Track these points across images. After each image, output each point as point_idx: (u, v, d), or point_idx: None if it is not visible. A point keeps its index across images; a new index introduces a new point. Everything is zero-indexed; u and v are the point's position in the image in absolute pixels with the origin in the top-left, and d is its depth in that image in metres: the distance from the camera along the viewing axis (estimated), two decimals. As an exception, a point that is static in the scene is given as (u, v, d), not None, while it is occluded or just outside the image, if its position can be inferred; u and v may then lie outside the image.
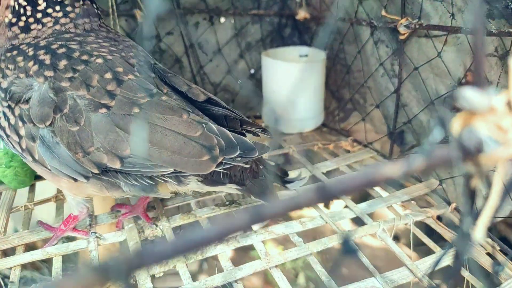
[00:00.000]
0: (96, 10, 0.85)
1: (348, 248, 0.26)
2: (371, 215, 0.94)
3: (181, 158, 0.69)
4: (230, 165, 0.72)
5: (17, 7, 0.78)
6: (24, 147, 0.72)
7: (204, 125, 0.71)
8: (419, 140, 1.11)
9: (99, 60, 0.74)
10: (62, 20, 0.80)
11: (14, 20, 0.78)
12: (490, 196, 0.26)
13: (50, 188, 1.08)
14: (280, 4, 1.36)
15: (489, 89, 0.28)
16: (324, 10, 1.31)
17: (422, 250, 1.00)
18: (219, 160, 0.70)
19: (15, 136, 0.72)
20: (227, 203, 0.98)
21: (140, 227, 0.90)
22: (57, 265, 0.81)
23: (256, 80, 1.44)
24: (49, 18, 0.79)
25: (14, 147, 0.74)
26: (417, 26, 0.96)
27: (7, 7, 0.79)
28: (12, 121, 0.72)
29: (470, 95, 0.27)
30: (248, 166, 0.77)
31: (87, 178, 0.72)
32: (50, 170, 0.72)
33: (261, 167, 0.86)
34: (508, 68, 0.40)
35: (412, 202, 0.99)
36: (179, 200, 0.99)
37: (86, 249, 0.84)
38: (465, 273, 0.79)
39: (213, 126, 0.72)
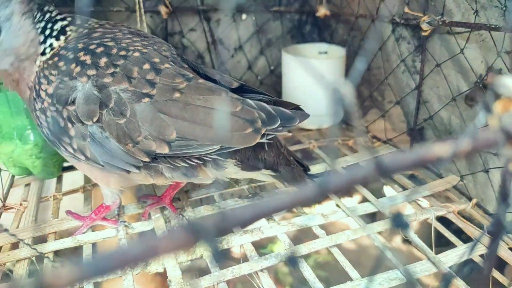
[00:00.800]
0: None
1: (399, 223, 0.27)
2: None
3: (225, 133, 0.72)
4: (273, 135, 0.74)
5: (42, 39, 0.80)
6: (75, 147, 0.75)
7: (241, 100, 0.74)
8: (439, 136, 1.12)
9: (136, 54, 0.76)
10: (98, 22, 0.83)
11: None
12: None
13: (76, 179, 1.12)
14: (301, 1, 1.37)
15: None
16: (344, 7, 1.32)
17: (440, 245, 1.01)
18: (263, 131, 0.72)
19: (66, 138, 0.75)
20: (249, 195, 1.00)
21: (166, 217, 0.92)
22: (87, 252, 0.84)
23: (276, 76, 1.46)
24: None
25: (66, 149, 0.77)
26: (440, 23, 0.97)
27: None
28: (62, 124, 0.74)
29: (509, 82, 0.29)
30: (290, 134, 0.78)
31: (138, 168, 0.74)
32: (103, 166, 0.75)
33: (291, 158, 0.88)
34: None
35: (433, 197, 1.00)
36: (203, 192, 1.02)
37: (115, 237, 0.87)
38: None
39: (251, 101, 0.74)
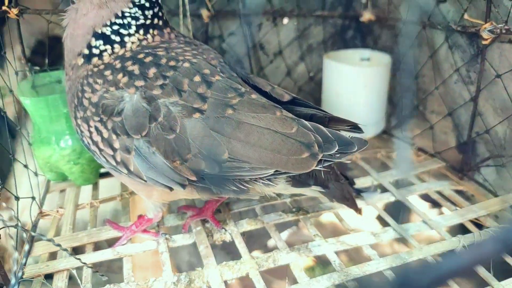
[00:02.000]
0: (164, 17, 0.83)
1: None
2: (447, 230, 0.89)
3: (281, 157, 0.66)
4: (330, 162, 0.69)
5: (94, 50, 0.77)
6: (119, 159, 0.71)
7: (296, 121, 0.69)
8: (493, 152, 1.05)
9: (186, 64, 0.72)
10: (147, 39, 0.79)
11: (87, 59, 0.78)
12: None
13: (113, 186, 1.08)
14: (345, 6, 1.32)
15: None
16: (391, 12, 1.26)
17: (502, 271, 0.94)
18: (319, 157, 0.67)
19: (109, 149, 0.71)
20: (293, 209, 0.95)
21: (208, 231, 0.88)
22: (128, 265, 0.80)
23: (315, 83, 1.41)
24: (133, 43, 0.78)
25: (107, 161, 0.73)
26: (503, 31, 0.91)
27: (78, 54, 0.78)
28: (105, 134, 0.71)
29: None
30: (349, 161, 0.74)
31: (183, 186, 0.70)
32: (145, 181, 0.71)
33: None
34: None
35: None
36: (244, 204, 0.97)
37: (156, 250, 0.83)
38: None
39: (306, 122, 0.69)
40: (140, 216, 0.89)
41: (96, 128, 0.72)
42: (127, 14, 0.76)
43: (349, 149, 0.70)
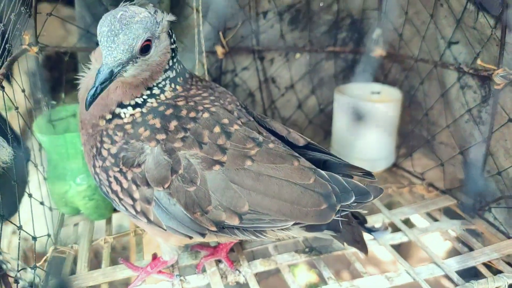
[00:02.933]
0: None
1: None
2: (459, 273, 0.89)
3: (300, 208, 0.67)
4: (346, 212, 0.70)
5: (117, 114, 0.75)
6: (138, 209, 0.72)
7: (313, 170, 0.70)
8: (504, 192, 1.05)
9: (206, 115, 0.73)
10: (170, 93, 0.77)
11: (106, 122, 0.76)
12: None
13: (126, 220, 1.09)
14: (356, 41, 1.34)
15: None
16: (401, 48, 1.28)
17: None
18: (337, 207, 0.68)
19: (129, 199, 0.72)
20: (306, 250, 0.95)
21: (222, 272, 0.88)
22: (142, 307, 0.81)
23: (325, 115, 1.42)
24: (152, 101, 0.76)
25: (127, 209, 0.74)
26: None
27: (100, 117, 0.76)
28: (125, 185, 0.71)
29: None
30: (366, 211, 0.75)
31: (203, 235, 0.71)
32: (165, 230, 0.72)
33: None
34: None
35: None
36: (257, 244, 0.98)
37: (171, 293, 0.84)
38: None
39: (323, 172, 0.70)
40: (154, 257, 0.89)
41: (116, 178, 0.73)
42: (160, 81, 0.75)
43: (366, 198, 0.71)
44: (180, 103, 0.74)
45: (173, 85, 0.77)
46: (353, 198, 0.69)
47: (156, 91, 0.75)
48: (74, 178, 0.99)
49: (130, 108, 0.74)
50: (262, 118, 0.82)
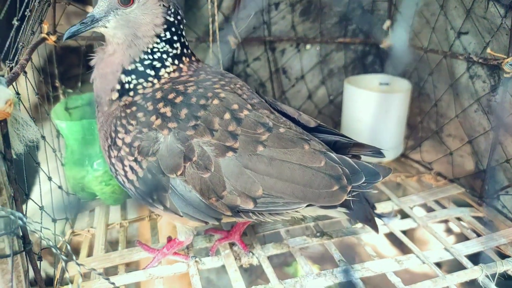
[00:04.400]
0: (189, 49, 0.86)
1: None
2: (467, 257, 0.91)
3: (312, 191, 0.70)
4: (357, 192, 0.72)
5: (126, 86, 0.79)
6: (155, 197, 0.74)
7: (324, 153, 0.72)
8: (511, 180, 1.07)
9: (216, 101, 0.75)
10: (177, 70, 0.81)
11: (120, 95, 0.80)
12: None
13: (141, 205, 1.12)
14: (366, 33, 1.35)
15: None
16: (411, 39, 1.30)
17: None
18: (349, 189, 0.70)
19: (145, 187, 0.74)
20: (318, 234, 0.97)
21: (236, 254, 0.91)
22: (159, 286, 0.83)
23: (334, 106, 1.44)
24: (163, 76, 0.80)
25: (143, 198, 0.76)
26: (524, 66, 0.94)
27: (112, 90, 0.80)
28: (141, 174, 0.73)
29: None
30: (376, 191, 0.77)
31: (219, 220, 0.73)
32: (181, 216, 0.74)
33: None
34: None
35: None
36: (270, 228, 1.00)
37: (187, 272, 0.86)
38: None
39: (333, 155, 0.72)
40: (170, 239, 0.92)
41: (131, 168, 0.75)
42: (155, 50, 0.79)
43: (375, 178, 0.73)
44: (190, 89, 0.76)
45: (176, 62, 0.80)
46: (363, 179, 0.71)
47: (155, 61, 0.79)
48: (91, 164, 1.01)
49: (134, 76, 0.78)
50: (274, 101, 0.84)
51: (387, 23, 1.31)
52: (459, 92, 1.16)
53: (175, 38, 0.81)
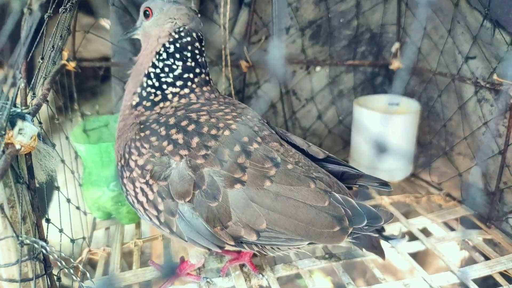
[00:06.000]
0: (207, 77, 0.90)
1: None
2: (475, 281, 0.92)
3: (314, 230, 0.72)
4: (358, 235, 0.74)
5: (144, 93, 0.86)
6: (162, 220, 0.76)
7: (329, 193, 0.74)
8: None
9: (227, 133, 0.77)
10: (187, 94, 0.86)
11: (139, 101, 0.86)
12: None
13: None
14: (375, 55, 1.38)
15: None
16: (419, 61, 1.32)
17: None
18: (350, 230, 0.72)
19: (154, 210, 0.77)
20: (326, 256, 0.99)
21: (246, 275, 0.93)
22: (171, 307, 0.86)
23: (344, 126, 1.46)
24: (174, 96, 0.85)
25: (151, 219, 0.79)
26: (530, 92, 0.95)
27: (134, 93, 0.87)
28: (151, 196, 0.76)
29: None
30: (376, 235, 0.79)
31: (221, 248, 0.76)
32: (186, 241, 0.77)
33: None
34: None
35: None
36: (279, 249, 1.02)
37: (198, 295, 0.89)
38: None
39: (338, 195, 0.75)
40: (182, 260, 0.95)
41: (142, 189, 0.77)
42: (158, 64, 0.86)
43: (376, 222, 0.75)
44: (203, 119, 0.79)
45: (181, 83, 0.86)
46: (365, 221, 0.74)
47: (162, 73, 0.86)
48: (107, 185, 1.05)
49: (150, 83, 0.86)
50: (284, 133, 0.87)
51: (396, 45, 1.33)
52: (467, 114, 1.18)
53: (177, 56, 0.85)
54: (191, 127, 0.78)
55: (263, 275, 0.92)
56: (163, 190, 0.74)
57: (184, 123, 0.79)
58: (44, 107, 0.88)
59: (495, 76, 1.02)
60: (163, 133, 0.78)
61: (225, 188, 0.72)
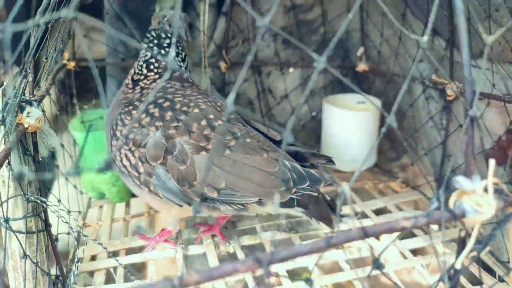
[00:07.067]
0: (185, 71, 1.10)
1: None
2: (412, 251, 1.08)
3: (264, 189, 0.89)
4: (301, 193, 0.90)
5: (135, 77, 1.07)
6: (142, 181, 0.94)
7: (279, 161, 0.91)
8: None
9: (196, 110, 0.95)
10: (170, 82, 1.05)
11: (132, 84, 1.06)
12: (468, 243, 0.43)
13: (142, 204, 1.32)
14: (342, 58, 1.55)
15: (474, 178, 0.45)
16: (380, 64, 1.48)
17: None
18: (293, 190, 0.89)
19: (135, 172, 0.94)
20: (287, 229, 1.16)
21: (216, 243, 1.10)
22: (152, 267, 1.03)
23: (316, 121, 1.62)
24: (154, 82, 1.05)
25: (133, 180, 0.96)
26: (462, 91, 1.11)
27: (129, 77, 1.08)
28: (133, 161, 0.94)
29: (462, 181, 0.45)
30: (316, 194, 0.95)
31: (189, 204, 0.93)
32: (161, 198, 0.94)
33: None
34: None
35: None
36: (247, 223, 1.19)
37: (174, 257, 1.05)
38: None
39: (287, 162, 0.91)
40: (162, 229, 1.12)
41: (126, 155, 0.95)
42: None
43: (317, 183, 0.92)
44: (177, 99, 0.97)
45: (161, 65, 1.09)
46: (308, 183, 0.90)
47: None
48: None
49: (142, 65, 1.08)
50: (248, 120, 1.04)
51: (361, 49, 1.49)
52: (418, 111, 1.34)
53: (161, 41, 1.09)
54: (166, 104, 0.96)
55: (229, 243, 1.09)
56: (143, 155, 0.92)
57: (160, 100, 0.97)
58: (48, 103, 1.06)
59: (434, 77, 1.18)
60: (143, 108, 0.96)
61: (192, 154, 0.89)
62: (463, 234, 0.46)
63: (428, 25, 0.46)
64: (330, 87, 1.60)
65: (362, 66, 1.52)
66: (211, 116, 0.95)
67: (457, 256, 0.47)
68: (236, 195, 0.89)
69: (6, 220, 0.74)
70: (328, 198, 1.12)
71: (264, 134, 1.00)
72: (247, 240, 1.12)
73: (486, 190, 0.44)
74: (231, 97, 0.42)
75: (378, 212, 1.28)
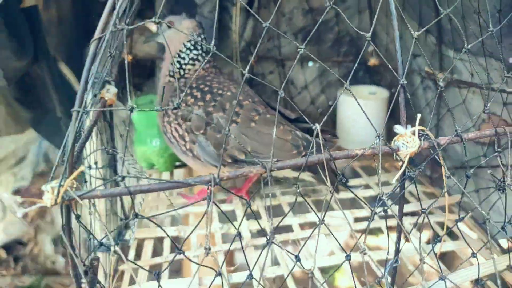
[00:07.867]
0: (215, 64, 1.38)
1: None
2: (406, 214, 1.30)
3: (280, 152, 1.14)
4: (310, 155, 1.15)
5: (171, 73, 1.33)
6: (188, 147, 1.22)
7: (292, 132, 1.16)
8: (453, 168, 1.45)
9: (229, 93, 1.23)
10: (206, 70, 1.33)
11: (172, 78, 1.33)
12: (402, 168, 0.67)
13: (182, 174, 1.60)
14: (355, 54, 1.78)
15: (408, 126, 0.69)
16: (387, 58, 1.70)
17: None
18: (303, 153, 1.14)
19: (182, 141, 1.22)
20: (301, 195, 1.40)
21: (243, 203, 1.36)
22: (191, 218, 1.30)
23: (333, 109, 1.85)
24: (194, 72, 1.32)
25: (180, 148, 1.24)
26: (449, 80, 1.33)
27: (166, 75, 1.35)
28: (180, 132, 1.22)
29: (398, 128, 0.69)
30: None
31: (224, 165, 1.19)
32: (202, 161, 1.21)
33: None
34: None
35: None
36: (269, 190, 1.44)
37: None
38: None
39: (298, 132, 1.17)
40: (201, 189, 1.39)
41: (175, 128, 1.24)
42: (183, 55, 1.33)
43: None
44: (214, 85, 1.25)
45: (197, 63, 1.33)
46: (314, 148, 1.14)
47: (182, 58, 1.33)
48: (151, 141, 1.51)
49: (177, 65, 1.32)
50: (269, 102, 1.29)
51: (371, 47, 1.72)
52: (418, 99, 1.56)
53: (193, 49, 1.33)
54: (206, 88, 1.24)
55: (253, 202, 1.35)
56: (188, 127, 1.20)
57: (201, 86, 1.25)
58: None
59: (426, 68, 1.40)
60: (188, 91, 1.24)
61: (226, 125, 1.15)
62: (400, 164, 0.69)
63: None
64: (345, 79, 1.82)
65: (373, 61, 1.74)
66: (241, 97, 1.22)
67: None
68: (259, 157, 1.15)
69: (89, 167, 1.02)
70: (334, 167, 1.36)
71: (281, 113, 1.26)
72: (268, 202, 1.37)
73: (414, 134, 0.67)
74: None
75: (381, 185, 1.51)
